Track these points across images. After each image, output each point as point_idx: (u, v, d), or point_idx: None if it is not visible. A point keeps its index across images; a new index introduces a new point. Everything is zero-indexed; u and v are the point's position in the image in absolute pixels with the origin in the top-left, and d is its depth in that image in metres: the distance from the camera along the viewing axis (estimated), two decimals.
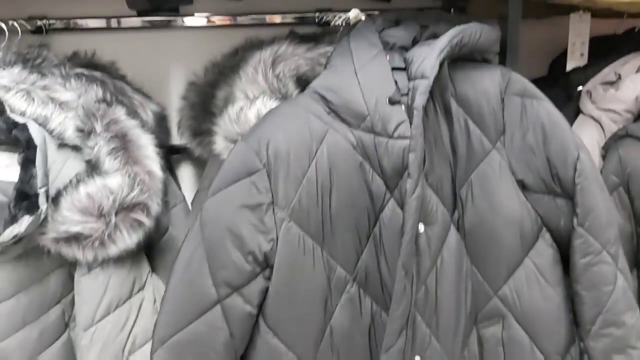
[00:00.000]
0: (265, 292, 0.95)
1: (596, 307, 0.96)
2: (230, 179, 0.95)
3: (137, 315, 1.12)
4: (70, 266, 1.12)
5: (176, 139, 1.40)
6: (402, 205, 0.95)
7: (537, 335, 0.99)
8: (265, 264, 0.95)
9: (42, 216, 1.01)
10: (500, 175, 0.99)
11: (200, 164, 1.47)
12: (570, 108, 1.24)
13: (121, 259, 1.10)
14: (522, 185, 1.00)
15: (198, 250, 0.94)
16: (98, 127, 1.08)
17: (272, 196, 0.94)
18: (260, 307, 0.96)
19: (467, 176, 1.00)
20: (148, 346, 1.10)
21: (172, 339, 0.94)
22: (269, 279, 0.95)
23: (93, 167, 1.07)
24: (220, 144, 1.09)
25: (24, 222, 1.00)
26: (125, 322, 1.11)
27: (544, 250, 1.00)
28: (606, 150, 1.15)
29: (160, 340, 0.95)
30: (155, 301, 1.15)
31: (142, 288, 1.14)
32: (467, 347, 1.00)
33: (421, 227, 0.95)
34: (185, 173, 1.58)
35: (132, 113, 1.18)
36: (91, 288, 1.09)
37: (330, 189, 0.95)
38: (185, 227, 1.21)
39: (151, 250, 1.21)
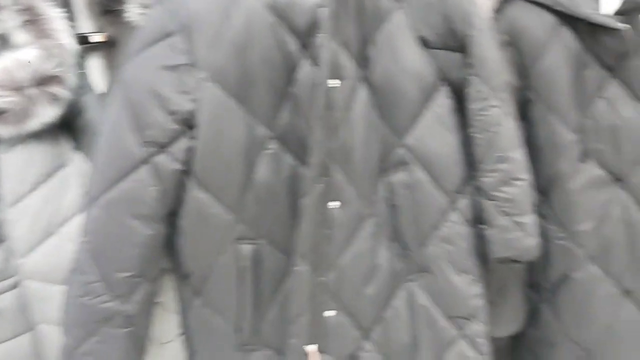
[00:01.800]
0: (191, 150, 1.00)
1: (488, 146, 1.07)
2: (148, 41, 0.96)
3: (64, 189, 1.13)
4: None
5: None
6: (315, 62, 1.00)
7: (438, 177, 1.09)
8: (189, 123, 0.98)
9: None
10: (403, 33, 1.06)
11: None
12: None
13: (42, 135, 1.09)
14: (423, 42, 1.07)
15: (122, 111, 0.96)
16: (4, 1, 1.05)
17: (191, 57, 0.96)
18: (188, 164, 1.00)
19: (373, 34, 1.06)
20: (78, 218, 1.13)
21: (104, 197, 0.97)
22: (194, 138, 0.99)
23: (4, 41, 1.04)
24: (134, 11, 1.08)
25: None
26: (53, 196, 1.12)
27: (443, 101, 1.09)
28: (498, 12, 1.24)
29: (92, 199, 0.98)
30: (80, 176, 1.16)
31: (66, 163, 1.15)
32: (377, 192, 1.10)
33: (334, 82, 1.01)
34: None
35: None
36: (15, 164, 1.09)
37: (246, 49, 0.99)
38: (99, 110, 1.22)
39: (70, 131, 1.21)
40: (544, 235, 1.25)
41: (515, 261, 1.11)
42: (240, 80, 0.99)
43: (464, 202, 1.11)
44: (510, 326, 1.32)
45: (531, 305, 1.32)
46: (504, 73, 1.08)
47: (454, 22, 1.04)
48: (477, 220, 1.11)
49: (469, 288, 1.11)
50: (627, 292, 1.24)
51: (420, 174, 1.09)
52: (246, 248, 1.05)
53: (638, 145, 1.19)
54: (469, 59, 1.05)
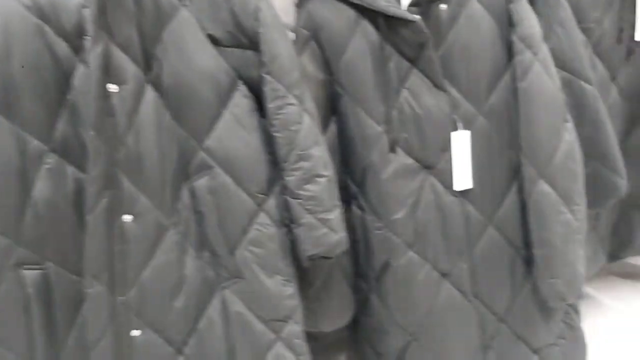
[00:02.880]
0: None
1: (288, 145, 1.04)
2: None
3: None
4: None
5: None
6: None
7: (242, 180, 1.05)
8: None
9: None
10: (192, 32, 1.00)
11: None
12: None
13: None
14: (214, 40, 1.01)
15: None
16: None
17: None
18: None
19: (159, 34, 0.98)
20: None
21: None
22: None
23: None
24: None
25: None
26: None
27: (241, 101, 1.04)
28: (299, 6, 1.21)
29: None
30: None
31: None
32: (179, 199, 1.03)
33: (113, 87, 0.92)
34: None
35: None
36: None
37: (6, 55, 0.88)
38: None
39: None
40: (364, 226, 1.25)
41: (325, 257, 1.08)
42: (3, 91, 0.88)
43: (271, 203, 1.07)
44: (338, 319, 1.31)
45: (362, 295, 1.32)
46: (297, 69, 1.05)
47: (241, 19, 0.99)
48: (286, 219, 1.08)
49: (282, 289, 1.07)
50: (444, 275, 1.26)
51: (224, 178, 1.04)
52: (30, 274, 0.95)
53: (440, 132, 1.21)
54: (262, 57, 1.01)
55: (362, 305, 1.33)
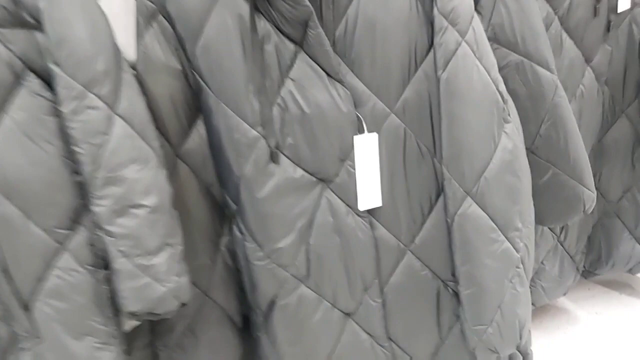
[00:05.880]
0: None
1: (92, 164, 0.74)
2: None
3: None
4: None
5: None
6: None
7: (31, 210, 0.76)
8: None
9: None
10: None
11: None
12: None
13: None
14: None
15: None
16: None
17: None
18: None
19: None
20: None
21: None
22: None
23: None
24: None
25: None
26: None
27: (27, 102, 0.74)
28: None
29: None
30: None
31: None
32: None
33: None
34: None
35: None
36: None
37: None
38: None
39: None
40: (245, 255, 0.95)
41: (153, 314, 0.78)
42: None
43: (78, 241, 0.77)
44: None
45: (255, 331, 1.03)
46: (105, 58, 0.73)
47: None
48: (100, 262, 0.77)
49: (94, 355, 0.78)
50: (348, 314, 0.97)
51: (6, 208, 0.75)
52: None
53: (338, 135, 0.90)
54: (47, 41, 0.69)
55: (256, 344, 1.04)
